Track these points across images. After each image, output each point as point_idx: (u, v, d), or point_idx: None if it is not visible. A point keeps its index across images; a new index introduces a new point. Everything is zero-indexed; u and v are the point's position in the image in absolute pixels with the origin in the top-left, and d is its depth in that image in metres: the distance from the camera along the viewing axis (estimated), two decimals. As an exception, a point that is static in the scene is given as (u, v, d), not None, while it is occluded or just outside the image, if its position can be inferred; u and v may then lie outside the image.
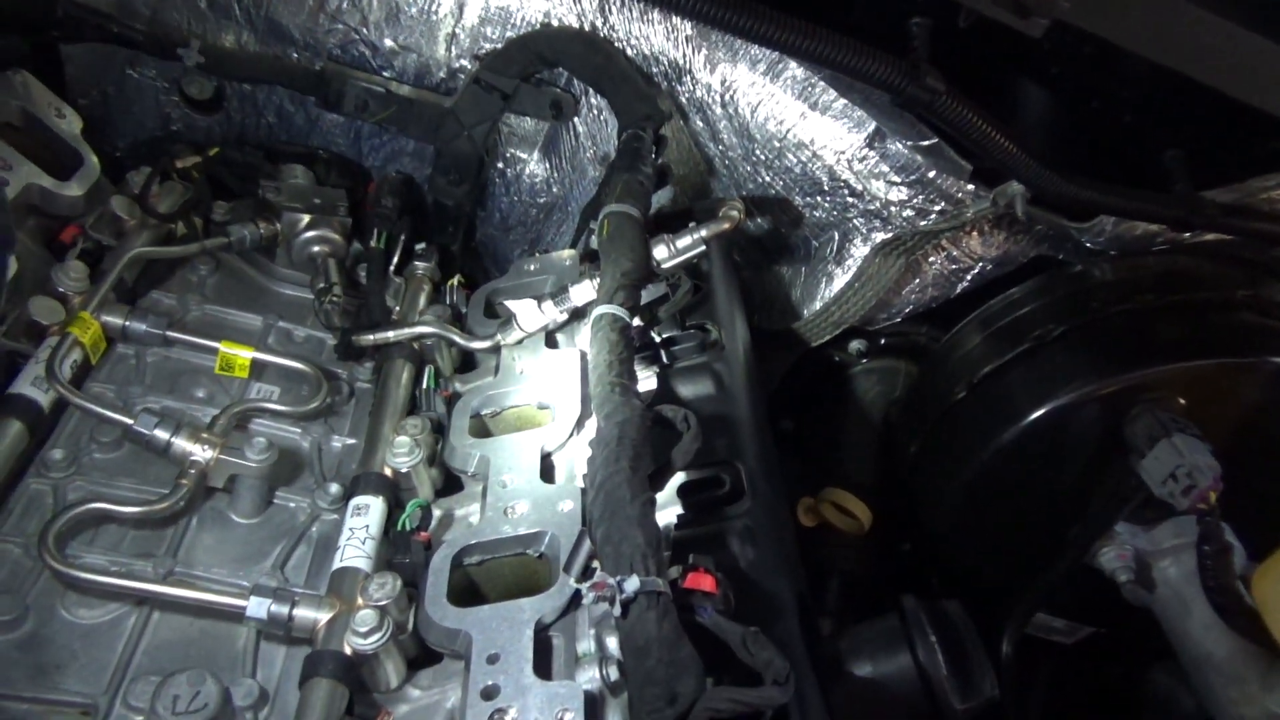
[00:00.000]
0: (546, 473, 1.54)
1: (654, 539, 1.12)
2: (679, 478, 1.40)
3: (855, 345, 2.19)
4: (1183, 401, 1.65)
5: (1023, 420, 1.74)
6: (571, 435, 1.59)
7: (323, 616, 1.34)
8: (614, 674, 1.14)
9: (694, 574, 1.12)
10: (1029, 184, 1.67)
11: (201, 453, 1.50)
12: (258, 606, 1.34)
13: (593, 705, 1.14)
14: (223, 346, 1.74)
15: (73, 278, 1.68)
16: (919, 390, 2.08)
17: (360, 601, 1.33)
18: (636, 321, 1.70)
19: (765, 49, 1.88)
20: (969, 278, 2.03)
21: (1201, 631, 1.68)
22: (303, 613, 1.34)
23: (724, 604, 1.11)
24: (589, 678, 1.19)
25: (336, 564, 1.43)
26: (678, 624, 1.04)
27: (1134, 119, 1.80)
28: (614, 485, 1.16)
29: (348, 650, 1.29)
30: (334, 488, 1.63)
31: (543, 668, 1.21)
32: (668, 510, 1.38)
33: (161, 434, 1.50)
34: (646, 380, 1.65)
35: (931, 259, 2.01)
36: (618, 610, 1.05)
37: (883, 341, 2.18)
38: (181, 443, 1.50)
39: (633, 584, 1.05)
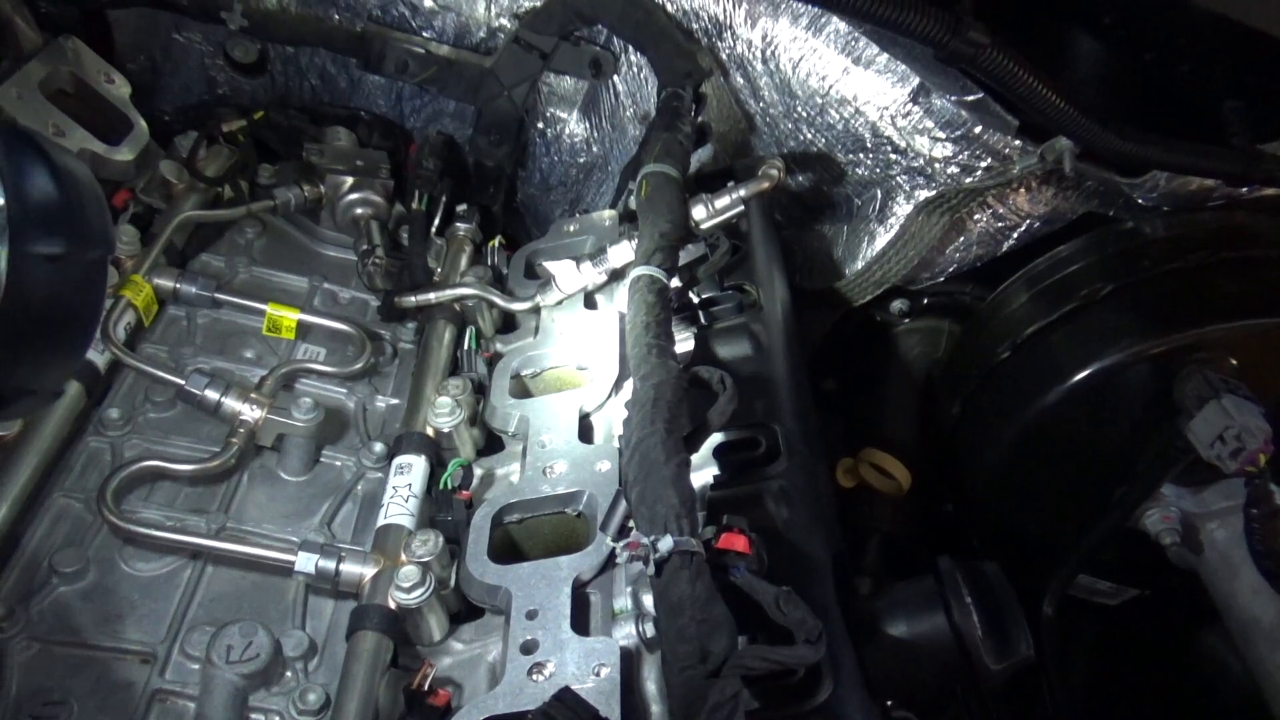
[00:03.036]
0: (585, 433, 1.56)
1: (688, 499, 1.12)
2: (716, 438, 1.40)
3: (898, 305, 2.16)
4: (1234, 361, 1.61)
5: (1068, 381, 1.71)
6: (610, 396, 1.60)
7: (368, 572, 1.38)
8: (650, 630, 1.15)
9: (728, 534, 1.12)
10: (1077, 139, 1.63)
11: (250, 412, 1.55)
12: (306, 561, 1.38)
13: (629, 660, 1.16)
14: (270, 308, 1.78)
15: (125, 241, 1.73)
16: (962, 350, 2.05)
17: (404, 558, 1.37)
18: (675, 282, 1.70)
19: (805, 3, 1.84)
20: (1015, 236, 1.99)
21: (1249, 596, 1.65)
22: (349, 568, 1.38)
23: (757, 564, 1.12)
24: (625, 634, 1.21)
25: (381, 521, 1.46)
26: (711, 583, 1.04)
27: (1190, 69, 1.73)
28: (649, 446, 1.17)
29: (392, 604, 1.33)
30: (378, 446, 1.66)
31: (580, 623, 1.23)
32: (704, 471, 1.39)
33: (212, 394, 1.54)
34: (684, 341, 1.65)
35: (977, 216, 1.97)
36: (651, 569, 1.07)
37: (926, 301, 2.15)
38: (231, 403, 1.54)
39: (666, 544, 1.06)
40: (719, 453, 1.41)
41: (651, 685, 1.17)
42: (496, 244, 2.03)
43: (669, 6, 2.03)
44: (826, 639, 1.03)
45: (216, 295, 1.78)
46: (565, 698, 1.00)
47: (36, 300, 0.99)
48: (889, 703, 1.42)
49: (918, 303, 2.16)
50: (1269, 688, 1.61)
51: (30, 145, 1.02)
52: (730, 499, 1.34)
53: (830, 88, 1.93)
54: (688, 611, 1.01)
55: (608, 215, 2.01)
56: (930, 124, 1.86)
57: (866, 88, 1.90)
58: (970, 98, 1.76)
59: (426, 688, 1.27)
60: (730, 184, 1.78)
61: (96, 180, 1.09)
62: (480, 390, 1.71)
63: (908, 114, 1.87)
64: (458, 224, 2.06)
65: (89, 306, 1.14)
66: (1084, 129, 1.59)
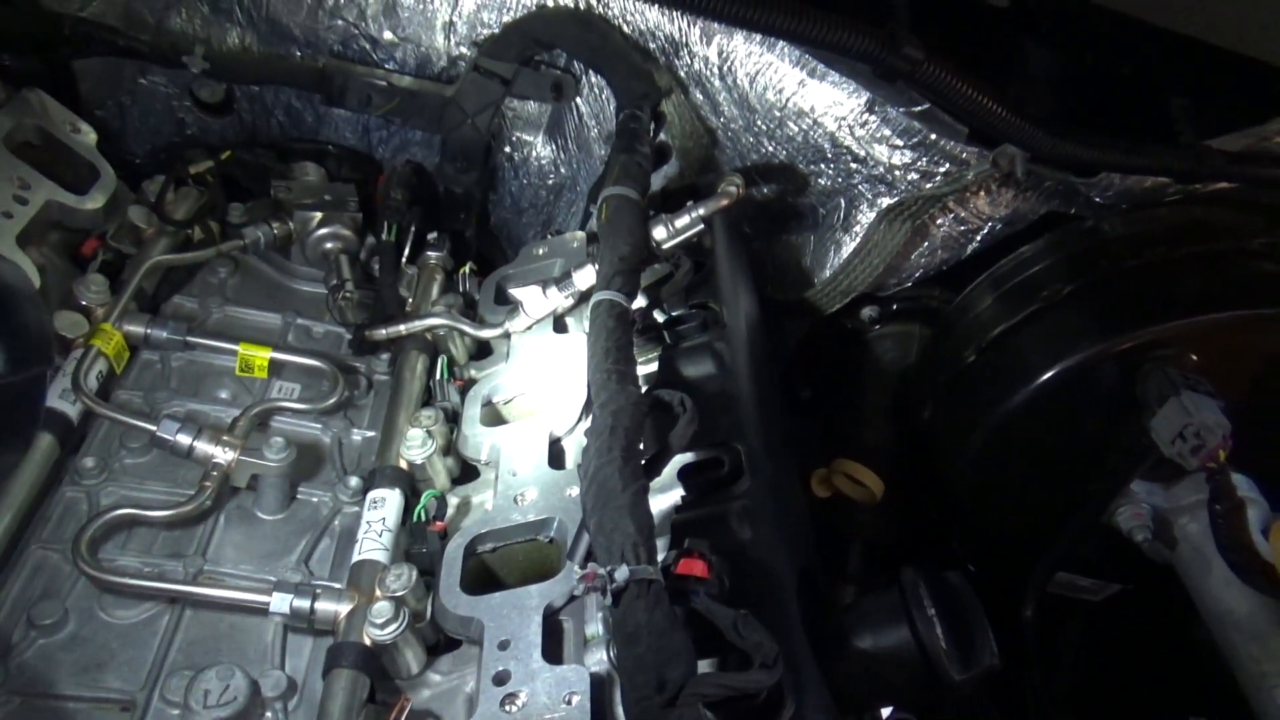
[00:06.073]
0: (556, 459, 1.57)
1: (645, 527, 1.14)
2: (681, 460, 1.42)
3: (867, 312, 2.17)
4: (1195, 357, 1.62)
5: (1033, 382, 1.72)
6: (580, 420, 1.62)
7: (343, 609, 1.39)
8: (620, 657, 1.17)
9: (687, 559, 1.14)
10: (1022, 145, 1.64)
11: (223, 455, 1.56)
12: (280, 602, 1.39)
13: (600, 687, 1.17)
14: (241, 348, 1.79)
15: (94, 290, 1.74)
16: (930, 354, 2.06)
17: (378, 593, 1.38)
18: (641, 302, 1.72)
19: (747, 29, 1.85)
20: (979, 238, 2.01)
21: (1222, 588, 1.66)
22: (324, 606, 1.39)
23: (718, 587, 1.13)
24: (597, 659, 1.22)
25: (356, 557, 1.47)
26: (669, 611, 1.06)
27: (1132, 70, 1.75)
28: (606, 475, 1.18)
29: (367, 641, 1.34)
30: (354, 481, 1.67)
31: (554, 651, 1.24)
32: (670, 494, 1.40)
33: (184, 439, 1.55)
34: (649, 364, 1.66)
35: (939, 221, 1.99)
36: (609, 599, 1.08)
37: (895, 307, 2.16)
38: (203, 446, 1.55)
39: (623, 573, 1.07)
40: (684, 474, 1.42)
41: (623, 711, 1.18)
42: (467, 270, 2.05)
43: (625, 27, 2.05)
44: (787, 659, 1.04)
45: (188, 338, 1.78)
46: (528, 732, 1.01)
47: None
48: (890, 709, 1.43)
49: (887, 309, 2.17)
50: (1244, 679, 1.62)
51: None
52: (694, 521, 1.35)
53: (787, 100, 1.95)
54: (644, 640, 1.02)
55: (577, 237, 2.02)
56: (887, 132, 1.87)
57: (823, 99, 1.92)
58: (918, 108, 1.78)
59: (402, 722, 1.28)
60: (689, 203, 1.80)
61: (34, 288, 1.07)
62: (454, 419, 1.73)
63: (865, 123, 1.89)
64: (429, 252, 2.07)
65: (25, 420, 1.13)
66: (1027, 135, 1.61)
